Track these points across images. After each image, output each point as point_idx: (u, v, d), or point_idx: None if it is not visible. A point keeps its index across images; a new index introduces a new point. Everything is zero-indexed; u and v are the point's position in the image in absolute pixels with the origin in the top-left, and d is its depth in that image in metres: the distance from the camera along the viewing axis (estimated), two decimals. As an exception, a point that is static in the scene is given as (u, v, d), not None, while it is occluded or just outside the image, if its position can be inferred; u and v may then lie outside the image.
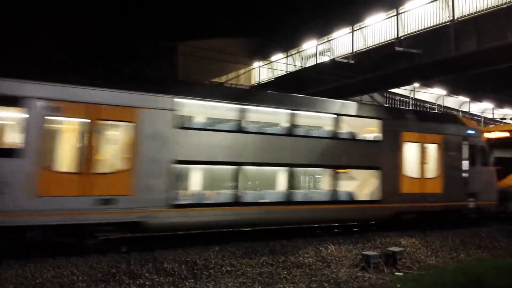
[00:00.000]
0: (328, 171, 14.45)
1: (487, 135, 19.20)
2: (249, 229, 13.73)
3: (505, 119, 40.06)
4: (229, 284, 9.03)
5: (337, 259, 11.42)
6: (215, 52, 23.96)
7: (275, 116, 14.67)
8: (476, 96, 38.82)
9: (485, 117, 41.25)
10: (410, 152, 15.66)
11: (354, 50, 23.05)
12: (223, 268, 10.07)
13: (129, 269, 9.48)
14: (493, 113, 41.96)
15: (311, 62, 27.21)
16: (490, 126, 34.92)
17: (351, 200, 14.63)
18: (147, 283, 8.85)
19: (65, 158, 10.75)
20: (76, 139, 10.71)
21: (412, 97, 35.87)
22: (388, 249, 11.62)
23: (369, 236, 13.78)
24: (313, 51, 27.11)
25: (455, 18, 17.90)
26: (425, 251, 12.87)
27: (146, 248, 11.01)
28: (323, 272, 10.34)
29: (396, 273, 10.58)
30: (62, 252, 10.28)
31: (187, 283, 9.01)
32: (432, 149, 16.13)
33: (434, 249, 13.23)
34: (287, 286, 9.13)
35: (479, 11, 17.16)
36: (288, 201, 13.39)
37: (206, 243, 11.76)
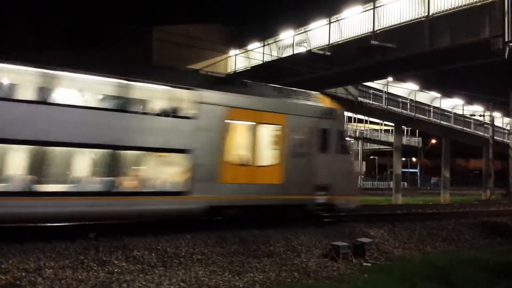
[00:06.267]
0: None
1: None
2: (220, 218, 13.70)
3: (474, 115, 40.94)
4: (200, 273, 9.03)
5: (307, 248, 11.56)
6: (191, 38, 23.63)
7: None
8: (447, 92, 39.51)
9: (455, 113, 42.03)
10: None
11: (330, 42, 23.10)
12: (194, 256, 10.06)
13: (97, 256, 9.36)
14: (463, 109, 42.84)
15: (287, 53, 27.14)
16: None
17: None
18: (115, 270, 8.76)
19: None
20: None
21: (385, 91, 36.26)
22: (357, 240, 11.83)
23: (339, 227, 13.96)
24: (290, 41, 27.04)
25: (430, 14, 18.10)
26: (393, 243, 13.16)
27: (116, 235, 10.85)
28: (293, 261, 10.46)
29: (364, 264, 10.79)
30: (29, 238, 10.05)
31: (156, 271, 8.96)
32: None
33: (402, 240, 13.53)
34: (257, 275, 9.19)
35: (453, 8, 17.40)
36: None
37: (177, 231, 11.69)
